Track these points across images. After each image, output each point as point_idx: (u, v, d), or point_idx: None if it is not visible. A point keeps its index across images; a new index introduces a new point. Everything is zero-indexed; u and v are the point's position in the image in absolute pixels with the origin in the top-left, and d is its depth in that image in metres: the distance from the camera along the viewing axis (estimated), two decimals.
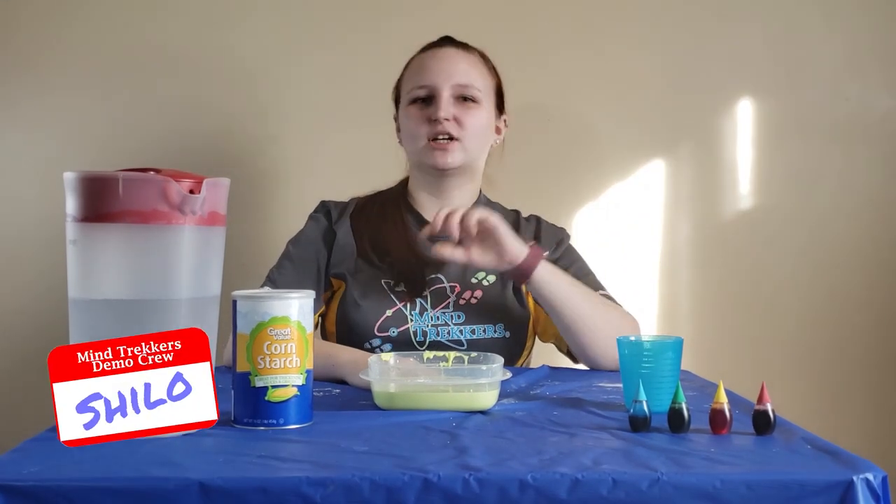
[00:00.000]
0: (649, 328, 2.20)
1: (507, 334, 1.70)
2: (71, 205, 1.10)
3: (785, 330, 2.23)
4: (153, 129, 2.16)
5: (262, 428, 1.14)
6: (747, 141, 2.23)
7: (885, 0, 2.21)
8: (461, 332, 1.68)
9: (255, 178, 2.17)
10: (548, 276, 1.60)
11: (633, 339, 1.31)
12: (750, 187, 2.23)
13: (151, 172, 1.10)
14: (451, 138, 1.71)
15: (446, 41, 1.79)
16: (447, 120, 1.70)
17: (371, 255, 1.74)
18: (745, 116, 2.22)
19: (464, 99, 1.73)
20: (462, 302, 1.71)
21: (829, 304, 2.23)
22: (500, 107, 1.81)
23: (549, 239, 1.80)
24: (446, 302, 1.71)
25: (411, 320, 1.68)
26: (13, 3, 2.14)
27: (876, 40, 2.22)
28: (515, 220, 1.83)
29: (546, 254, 1.56)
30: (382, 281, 1.72)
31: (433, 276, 1.73)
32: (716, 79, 2.22)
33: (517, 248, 1.57)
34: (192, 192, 1.10)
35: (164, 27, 2.17)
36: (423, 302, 1.70)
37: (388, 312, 1.69)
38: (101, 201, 1.08)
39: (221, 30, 2.18)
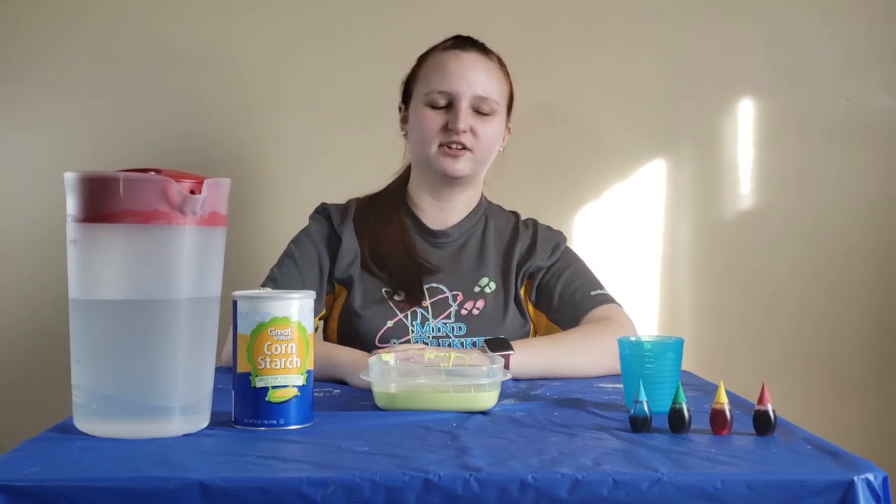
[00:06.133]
0: (650, 328, 2.20)
1: None
2: (71, 205, 1.10)
3: (785, 330, 2.23)
4: (153, 129, 2.16)
5: (262, 428, 1.14)
6: (747, 141, 2.23)
7: (884, 1, 2.22)
8: (462, 344, 1.67)
9: (255, 178, 2.17)
10: (522, 367, 1.54)
11: (633, 339, 1.31)
12: (750, 187, 2.23)
13: (152, 173, 1.09)
14: (464, 147, 1.70)
15: (468, 43, 1.74)
16: (464, 132, 1.68)
17: (371, 262, 1.73)
18: (745, 116, 2.22)
19: (479, 109, 1.70)
20: (464, 312, 1.71)
21: (829, 304, 2.23)
22: (508, 112, 1.79)
23: (544, 243, 1.79)
24: (448, 312, 1.70)
25: (412, 331, 1.68)
26: (13, 5, 2.14)
27: (875, 40, 2.21)
28: (515, 224, 1.83)
29: (511, 353, 1.52)
30: (383, 290, 1.72)
31: (434, 285, 1.72)
32: (716, 79, 2.22)
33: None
34: (192, 192, 1.09)
35: (163, 27, 2.17)
36: (423, 312, 1.70)
37: (390, 323, 1.68)
38: (102, 201, 1.07)
39: (221, 29, 2.18)
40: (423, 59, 1.76)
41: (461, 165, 1.70)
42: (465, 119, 1.68)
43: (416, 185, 1.79)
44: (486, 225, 1.81)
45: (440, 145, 1.70)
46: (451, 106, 1.69)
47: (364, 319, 1.68)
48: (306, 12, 2.18)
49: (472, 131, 1.69)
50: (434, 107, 1.70)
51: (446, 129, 1.69)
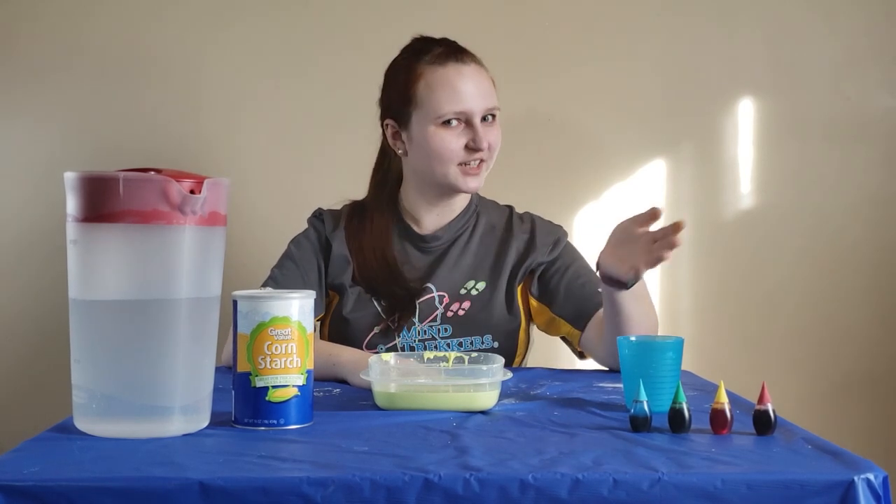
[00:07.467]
0: None
1: (496, 345, 1.69)
2: (71, 205, 1.10)
3: (785, 330, 2.23)
4: (153, 129, 2.16)
5: (262, 428, 1.14)
6: (747, 141, 2.23)
7: (884, 0, 2.22)
8: (448, 345, 1.67)
9: (255, 178, 2.17)
10: (637, 296, 1.50)
11: (633, 339, 1.31)
12: (750, 187, 2.23)
13: (152, 172, 1.09)
14: (481, 160, 1.68)
15: (461, 52, 1.69)
16: (485, 148, 1.67)
17: (361, 282, 1.72)
18: (745, 116, 2.22)
19: (486, 118, 1.68)
20: (450, 314, 1.70)
21: (829, 303, 2.23)
22: None
23: (544, 238, 1.77)
24: (434, 314, 1.70)
25: (398, 336, 1.68)
26: (13, 5, 2.14)
27: (874, 40, 2.22)
28: (509, 217, 1.81)
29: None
30: (372, 297, 1.72)
31: (423, 286, 1.72)
32: (716, 79, 2.22)
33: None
34: (192, 192, 1.09)
35: (164, 28, 2.17)
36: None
37: (376, 329, 1.69)
38: (102, 201, 1.07)
39: (221, 30, 2.18)
40: (415, 75, 1.67)
41: (480, 180, 1.69)
42: (485, 135, 1.66)
43: (413, 193, 1.76)
44: (476, 223, 1.79)
45: (459, 164, 1.67)
46: (467, 124, 1.66)
47: (351, 325, 1.69)
48: (304, 14, 2.18)
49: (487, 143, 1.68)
50: (448, 126, 1.66)
51: (466, 147, 1.66)
